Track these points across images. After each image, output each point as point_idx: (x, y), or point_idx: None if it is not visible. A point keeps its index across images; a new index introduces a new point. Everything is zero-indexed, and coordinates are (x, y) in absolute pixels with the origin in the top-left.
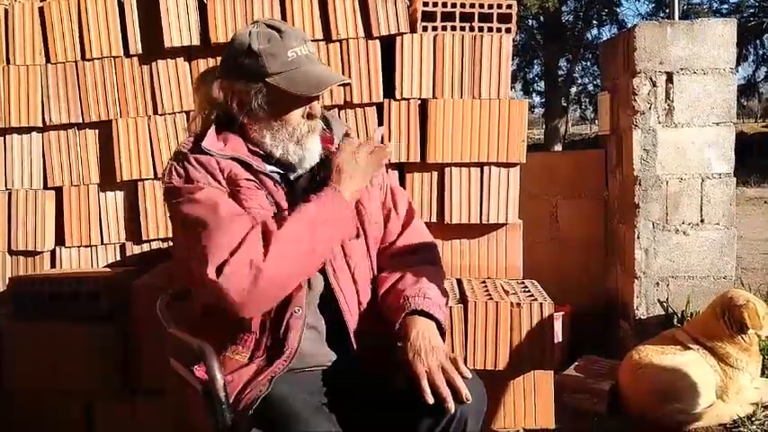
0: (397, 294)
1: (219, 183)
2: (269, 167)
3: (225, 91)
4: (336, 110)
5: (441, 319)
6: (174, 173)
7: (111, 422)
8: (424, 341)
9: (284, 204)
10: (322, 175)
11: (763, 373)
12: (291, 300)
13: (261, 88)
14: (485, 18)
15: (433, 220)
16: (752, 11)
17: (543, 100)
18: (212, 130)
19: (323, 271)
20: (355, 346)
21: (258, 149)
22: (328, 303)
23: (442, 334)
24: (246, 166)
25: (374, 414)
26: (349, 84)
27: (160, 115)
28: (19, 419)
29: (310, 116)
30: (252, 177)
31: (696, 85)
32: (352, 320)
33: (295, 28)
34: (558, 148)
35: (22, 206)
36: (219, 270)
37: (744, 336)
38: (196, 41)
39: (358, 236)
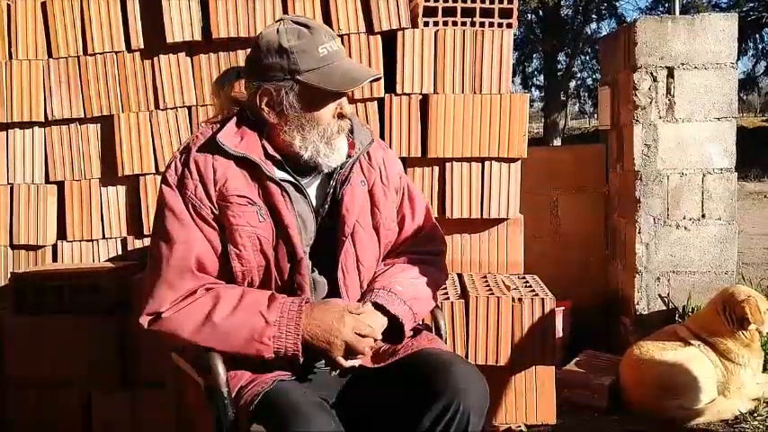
0: (373, 281)
1: (208, 194)
2: (279, 174)
3: (252, 91)
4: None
5: (398, 314)
6: (172, 167)
7: (111, 415)
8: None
9: (287, 218)
10: (331, 190)
11: (764, 369)
12: None
13: (293, 86)
14: (486, 13)
15: (435, 215)
16: (751, 5)
17: (542, 94)
18: (232, 123)
19: (332, 275)
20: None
21: (275, 154)
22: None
23: (401, 329)
24: (253, 169)
25: (376, 411)
26: (380, 78)
27: (162, 110)
28: (20, 412)
29: (341, 115)
30: (245, 193)
31: (697, 79)
32: None
33: (321, 24)
34: (558, 142)
35: (24, 200)
36: (153, 320)
37: (745, 331)
38: (198, 37)
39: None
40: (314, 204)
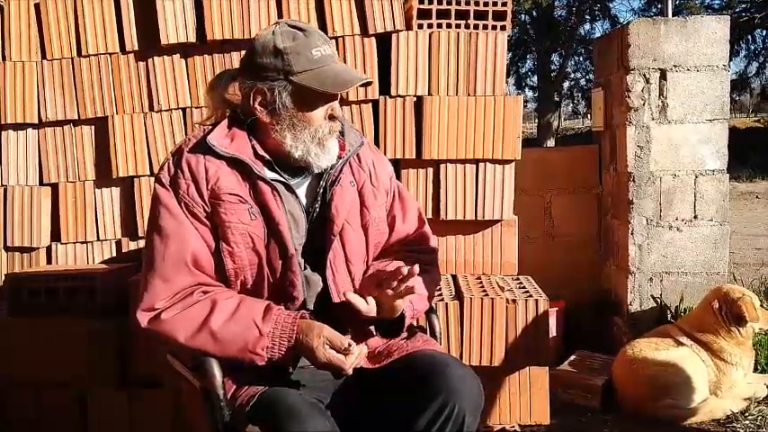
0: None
1: (200, 193)
2: (269, 174)
3: (246, 91)
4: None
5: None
6: (165, 168)
7: (108, 417)
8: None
9: (278, 215)
10: (321, 190)
11: (755, 369)
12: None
13: (286, 86)
14: (480, 16)
15: (429, 216)
16: (744, 6)
17: (536, 94)
18: (223, 124)
19: (323, 273)
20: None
21: (264, 154)
22: (326, 305)
23: (401, 323)
24: (244, 169)
25: (371, 412)
26: (371, 83)
27: (156, 112)
28: (17, 413)
29: (332, 117)
30: (237, 191)
31: (689, 81)
32: (348, 330)
33: (316, 28)
34: (551, 142)
35: (18, 202)
36: (151, 319)
37: (740, 329)
38: (192, 38)
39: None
40: (304, 204)
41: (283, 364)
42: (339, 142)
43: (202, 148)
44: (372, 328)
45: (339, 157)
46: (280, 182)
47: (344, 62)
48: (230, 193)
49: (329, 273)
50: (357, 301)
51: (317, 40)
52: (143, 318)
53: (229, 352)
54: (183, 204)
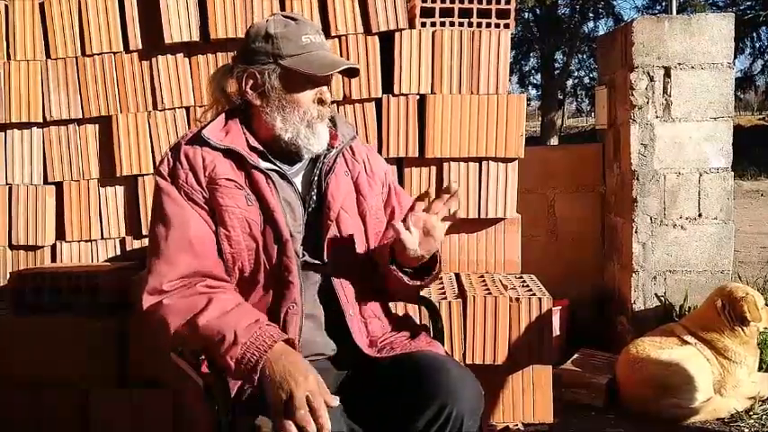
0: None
1: (198, 181)
2: (263, 164)
3: (239, 75)
4: (335, 105)
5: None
6: (164, 161)
7: (110, 415)
8: None
9: (273, 202)
10: (316, 178)
11: (760, 368)
12: (285, 296)
13: (275, 69)
14: (483, 14)
15: None
16: (748, 3)
17: (539, 93)
18: (220, 119)
19: (321, 260)
20: (354, 337)
21: (257, 145)
22: (327, 292)
23: (434, 260)
24: (239, 159)
25: (372, 408)
26: (358, 70)
27: (160, 111)
28: (18, 412)
29: (321, 102)
30: (233, 177)
31: (694, 79)
32: (351, 312)
33: (310, 20)
34: (555, 140)
35: (23, 201)
36: (152, 305)
37: (744, 328)
38: (196, 37)
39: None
40: (300, 192)
41: (248, 382)
42: (331, 132)
43: (199, 140)
44: (399, 272)
45: (332, 147)
46: (274, 170)
47: (347, 60)
48: (227, 179)
49: (326, 259)
50: (405, 235)
51: (307, 29)
52: (147, 300)
53: (210, 351)
54: (182, 192)
